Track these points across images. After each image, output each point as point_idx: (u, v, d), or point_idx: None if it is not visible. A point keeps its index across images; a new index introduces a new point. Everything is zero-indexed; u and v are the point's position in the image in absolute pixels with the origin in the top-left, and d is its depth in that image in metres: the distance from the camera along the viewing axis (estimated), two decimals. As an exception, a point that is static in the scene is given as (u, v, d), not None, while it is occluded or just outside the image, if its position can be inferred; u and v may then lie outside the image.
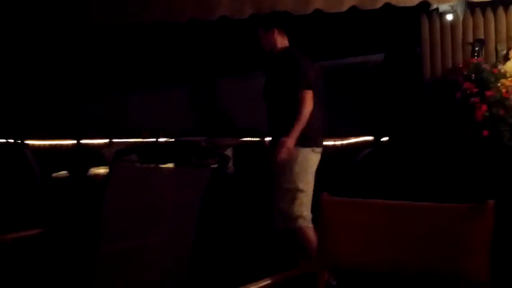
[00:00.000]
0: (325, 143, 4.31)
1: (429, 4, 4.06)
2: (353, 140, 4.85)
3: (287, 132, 3.12)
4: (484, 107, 3.58)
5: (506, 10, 4.04)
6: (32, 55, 5.21)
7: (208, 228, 2.09)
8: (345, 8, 3.98)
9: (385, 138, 4.64)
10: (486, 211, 1.66)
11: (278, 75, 3.36)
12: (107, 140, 4.61)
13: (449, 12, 4.17)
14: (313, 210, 3.16)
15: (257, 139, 4.67)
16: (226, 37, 5.13)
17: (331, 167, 4.17)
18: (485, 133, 3.58)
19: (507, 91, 3.60)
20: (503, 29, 4.00)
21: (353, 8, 3.95)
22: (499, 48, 3.91)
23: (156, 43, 5.33)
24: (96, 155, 4.36)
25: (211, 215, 2.10)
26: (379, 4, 3.93)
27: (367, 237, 1.84)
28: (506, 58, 3.83)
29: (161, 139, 4.76)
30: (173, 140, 4.71)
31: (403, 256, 1.77)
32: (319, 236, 2.02)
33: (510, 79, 3.68)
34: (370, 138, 4.77)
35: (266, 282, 1.74)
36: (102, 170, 4.15)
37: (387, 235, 1.79)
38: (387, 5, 3.90)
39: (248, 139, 4.72)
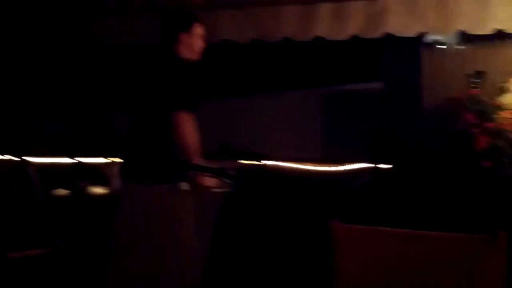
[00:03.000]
0: (323, 168, 4.40)
1: (429, 35, 4.17)
2: (351, 166, 4.88)
3: None
4: (484, 138, 3.65)
5: (505, 43, 4.14)
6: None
7: (220, 250, 2.11)
8: (347, 36, 4.08)
9: (383, 166, 4.68)
10: (500, 242, 1.70)
11: None
12: (109, 160, 4.60)
13: (448, 43, 4.28)
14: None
15: (255, 162, 4.69)
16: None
17: (329, 193, 4.21)
18: (487, 163, 3.64)
19: (506, 123, 3.67)
20: (503, 62, 4.09)
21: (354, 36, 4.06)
22: (498, 80, 3.99)
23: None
24: (96, 174, 4.35)
25: (223, 238, 2.12)
26: (379, 33, 4.02)
27: (381, 265, 1.85)
28: (505, 91, 3.91)
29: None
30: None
31: (417, 285, 1.79)
32: (333, 264, 2.03)
33: (509, 111, 3.76)
34: (368, 165, 4.80)
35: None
36: (101, 190, 4.16)
37: (402, 264, 1.81)
38: (387, 34, 4.00)
39: (246, 162, 4.74)
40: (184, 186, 2.59)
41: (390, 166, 4.49)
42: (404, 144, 4.42)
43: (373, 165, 4.69)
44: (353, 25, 4.01)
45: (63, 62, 5.14)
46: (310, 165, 4.69)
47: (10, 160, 4.56)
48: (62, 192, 4.12)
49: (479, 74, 4.01)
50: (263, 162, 4.51)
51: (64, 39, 4.48)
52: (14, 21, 4.54)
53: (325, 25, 4.08)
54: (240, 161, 4.63)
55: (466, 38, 4.21)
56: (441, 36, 4.30)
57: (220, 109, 5.04)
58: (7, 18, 4.53)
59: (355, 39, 4.09)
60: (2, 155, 4.76)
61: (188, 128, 2.55)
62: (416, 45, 4.36)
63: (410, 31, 3.96)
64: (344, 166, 4.82)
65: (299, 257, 3.70)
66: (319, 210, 4.19)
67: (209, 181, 3.21)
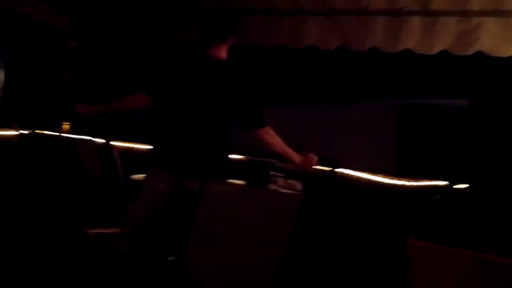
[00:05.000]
0: (395, 182, 4.34)
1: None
2: (424, 183, 4.78)
3: None
4: None
5: None
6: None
7: (297, 255, 2.13)
8: (435, 51, 4.01)
9: (459, 185, 4.56)
10: None
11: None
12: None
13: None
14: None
15: (327, 168, 4.70)
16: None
17: (400, 207, 4.16)
18: None
19: None
20: None
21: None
22: None
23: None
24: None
25: (301, 242, 2.15)
26: (470, 52, 3.93)
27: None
28: None
29: (233, 156, 4.88)
30: (245, 157, 4.80)
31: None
32: (407, 280, 2.02)
33: None
34: (443, 183, 4.69)
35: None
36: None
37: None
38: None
39: (318, 167, 4.76)
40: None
41: (466, 185, 4.37)
42: (488, 164, 4.28)
43: (447, 183, 4.58)
44: (443, 40, 3.94)
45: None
46: (382, 177, 4.64)
47: (98, 142, 4.86)
48: (140, 176, 4.30)
49: None
50: (335, 169, 4.52)
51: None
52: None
53: (414, 38, 4.04)
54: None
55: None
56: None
57: (295, 114, 5.09)
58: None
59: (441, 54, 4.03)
60: (94, 137, 5.11)
61: (273, 138, 2.75)
62: (508, 63, 4.21)
63: (504, 52, 3.84)
64: (417, 181, 4.74)
65: (368, 267, 3.69)
66: (389, 223, 4.15)
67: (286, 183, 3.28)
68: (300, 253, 3.23)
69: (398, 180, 4.62)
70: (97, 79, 5.61)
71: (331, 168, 4.62)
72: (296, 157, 2.81)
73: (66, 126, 5.59)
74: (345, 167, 4.65)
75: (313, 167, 2.86)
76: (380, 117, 5.51)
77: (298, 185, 3.68)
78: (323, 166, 4.71)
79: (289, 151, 2.79)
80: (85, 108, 2.89)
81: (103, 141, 4.87)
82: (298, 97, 5.13)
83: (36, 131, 5.30)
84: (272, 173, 3.72)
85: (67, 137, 5.44)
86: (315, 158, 2.85)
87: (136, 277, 2.79)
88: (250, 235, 2.28)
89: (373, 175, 4.69)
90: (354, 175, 4.58)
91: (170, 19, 4.70)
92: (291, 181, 3.63)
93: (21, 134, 5.08)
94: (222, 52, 2.79)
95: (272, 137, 2.76)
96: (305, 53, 4.38)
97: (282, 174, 3.71)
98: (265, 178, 3.57)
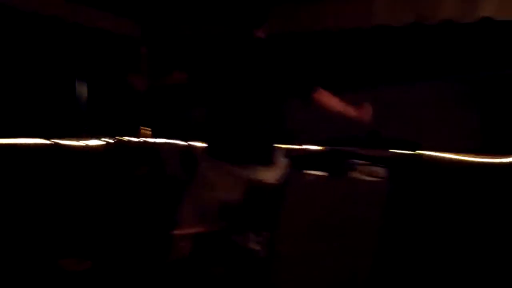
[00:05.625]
0: (485, 160, 4.09)
1: None
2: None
3: None
4: None
5: None
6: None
7: (390, 243, 2.07)
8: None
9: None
10: None
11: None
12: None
13: None
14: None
15: (409, 152, 4.53)
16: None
17: (492, 186, 3.93)
18: None
19: None
20: None
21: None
22: None
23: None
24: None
25: (393, 230, 2.09)
26: None
27: None
28: None
29: (311, 147, 4.82)
30: (323, 148, 4.73)
31: None
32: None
33: None
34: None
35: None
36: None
37: None
38: None
39: (400, 151, 4.59)
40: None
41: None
42: None
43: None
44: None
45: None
46: (469, 156, 4.41)
47: (179, 144, 4.98)
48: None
49: None
50: (419, 151, 4.34)
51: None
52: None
53: (492, 5, 3.79)
54: (392, 150, 4.52)
55: None
56: None
57: (374, 97, 4.91)
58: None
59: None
60: (172, 139, 5.25)
61: (330, 98, 2.82)
62: None
63: None
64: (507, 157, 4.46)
65: (467, 253, 3.51)
66: (483, 205, 3.94)
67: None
68: (391, 241, 3.15)
69: (487, 158, 4.39)
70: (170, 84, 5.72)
71: (415, 151, 4.45)
72: (353, 111, 2.84)
73: (145, 131, 5.77)
74: (429, 149, 4.47)
75: (370, 118, 2.88)
76: (460, 93, 5.23)
77: (382, 172, 3.56)
78: (405, 149, 4.55)
79: (348, 108, 2.83)
80: (139, 81, 3.03)
81: (184, 143, 4.98)
82: (375, 79, 4.95)
83: (119, 138, 5.51)
84: (353, 161, 3.63)
85: (150, 142, 5.63)
86: (369, 107, 2.90)
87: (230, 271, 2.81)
88: (339, 225, 2.24)
89: (460, 155, 4.48)
90: (440, 157, 4.39)
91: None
92: (375, 168, 3.52)
93: (106, 143, 5.31)
94: (262, 35, 2.86)
95: (330, 97, 2.80)
96: (375, 33, 4.24)
97: (364, 162, 3.61)
98: (346, 167, 3.48)
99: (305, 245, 2.27)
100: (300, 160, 4.37)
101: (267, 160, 2.80)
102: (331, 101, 2.80)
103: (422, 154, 4.24)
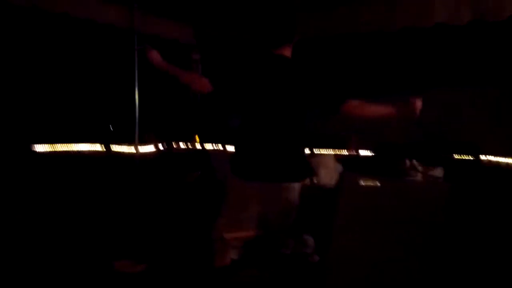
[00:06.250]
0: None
1: None
2: None
3: None
4: None
5: None
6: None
7: (446, 247, 1.98)
8: None
9: None
10: None
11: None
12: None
13: None
14: None
15: (470, 157, 4.35)
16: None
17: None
18: None
19: None
20: None
21: None
22: None
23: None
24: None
25: (449, 234, 1.99)
26: None
27: None
28: None
29: (363, 152, 4.72)
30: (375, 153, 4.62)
31: None
32: None
33: None
34: None
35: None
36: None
37: None
38: None
39: (460, 156, 4.41)
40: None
41: None
42: None
43: None
44: None
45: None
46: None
47: (228, 150, 5.00)
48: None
49: None
50: (479, 155, 4.17)
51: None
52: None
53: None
54: (451, 153, 4.36)
55: None
56: None
57: (433, 99, 4.74)
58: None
59: None
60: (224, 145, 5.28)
61: (361, 106, 2.69)
62: None
63: None
64: None
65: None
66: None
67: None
68: (448, 247, 3.02)
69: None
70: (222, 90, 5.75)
71: (475, 154, 4.28)
72: (393, 110, 2.64)
73: (198, 138, 5.83)
74: (489, 153, 4.28)
75: (418, 110, 2.60)
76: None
77: (440, 173, 3.43)
78: (465, 153, 4.38)
79: (383, 109, 2.67)
80: (156, 56, 2.98)
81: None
82: (433, 81, 4.80)
83: (172, 145, 5.59)
84: (409, 162, 3.51)
85: (201, 148, 5.69)
86: (418, 101, 2.60)
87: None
88: (396, 228, 2.16)
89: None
90: (501, 162, 4.19)
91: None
92: (431, 170, 3.39)
93: (158, 149, 5.39)
94: (288, 52, 2.80)
95: (358, 106, 2.68)
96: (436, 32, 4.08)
97: (419, 163, 3.48)
98: (402, 169, 3.37)
99: (362, 249, 2.19)
100: (354, 164, 4.30)
101: (299, 175, 2.79)
102: (363, 111, 2.70)
103: (481, 158, 4.06)
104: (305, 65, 2.78)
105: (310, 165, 2.93)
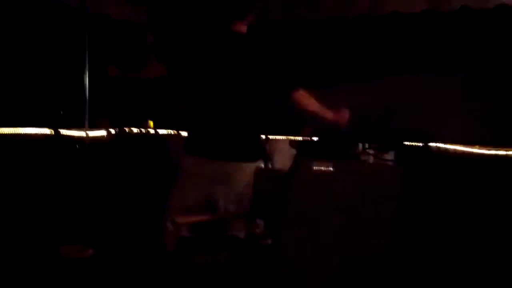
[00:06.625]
0: (494, 152, 4.01)
1: None
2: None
3: None
4: None
5: None
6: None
7: (404, 229, 2.00)
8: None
9: None
10: None
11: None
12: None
13: None
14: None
15: (420, 144, 4.45)
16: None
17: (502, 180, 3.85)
18: None
19: None
20: None
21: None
22: None
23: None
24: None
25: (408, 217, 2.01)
26: None
27: None
28: None
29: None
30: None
31: None
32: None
33: None
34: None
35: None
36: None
37: None
38: None
39: (410, 143, 4.50)
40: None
41: None
42: None
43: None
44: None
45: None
46: (481, 149, 4.34)
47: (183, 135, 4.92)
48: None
49: None
50: (429, 142, 4.27)
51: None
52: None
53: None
54: (402, 141, 4.43)
55: None
56: None
57: (385, 86, 4.82)
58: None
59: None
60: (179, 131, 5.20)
61: (307, 99, 2.76)
62: None
63: None
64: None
65: (472, 244, 3.44)
66: (491, 197, 3.86)
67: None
68: (403, 231, 3.08)
69: (497, 150, 4.32)
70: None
71: (424, 142, 4.38)
72: (329, 114, 2.79)
73: (150, 123, 5.72)
74: (439, 140, 4.39)
75: (345, 122, 2.79)
76: (472, 84, 5.12)
77: (391, 157, 3.49)
78: (415, 140, 4.48)
79: (324, 110, 2.79)
80: (114, 70, 2.96)
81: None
82: (386, 68, 4.87)
83: (124, 129, 5.47)
84: (361, 146, 3.55)
85: (154, 132, 5.58)
86: (346, 112, 2.80)
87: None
88: (351, 213, 2.16)
89: (469, 147, 4.41)
90: (449, 148, 4.32)
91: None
92: (384, 154, 3.44)
93: (110, 133, 5.26)
94: (244, 29, 2.81)
95: (306, 97, 2.77)
96: (389, 20, 4.13)
97: (371, 147, 3.53)
98: (354, 153, 3.41)
99: (315, 234, 2.18)
100: (307, 148, 4.32)
101: (250, 155, 2.80)
102: (306, 102, 2.77)
103: (430, 145, 4.16)
104: (261, 44, 2.78)
105: (263, 148, 2.92)
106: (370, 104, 4.20)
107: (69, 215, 3.75)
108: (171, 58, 2.83)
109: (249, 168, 2.77)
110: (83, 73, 4.50)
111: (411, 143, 4.46)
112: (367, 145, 3.50)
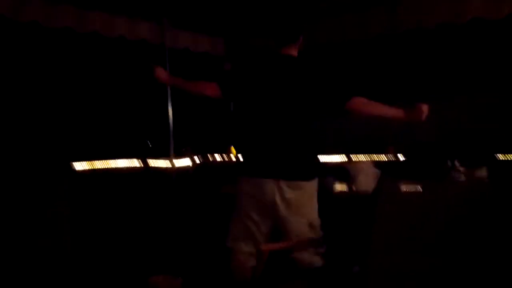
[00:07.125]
0: None
1: None
2: None
3: None
4: None
5: None
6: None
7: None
8: None
9: None
10: None
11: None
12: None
13: None
14: None
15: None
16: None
17: None
18: None
19: None
20: None
21: None
22: None
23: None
24: (338, 171, 4.35)
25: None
26: None
27: None
28: None
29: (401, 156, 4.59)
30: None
31: None
32: None
33: None
34: None
35: None
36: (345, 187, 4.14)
37: None
38: None
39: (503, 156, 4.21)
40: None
41: None
42: None
43: None
44: None
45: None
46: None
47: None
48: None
49: None
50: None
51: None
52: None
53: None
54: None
55: None
56: None
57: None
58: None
59: None
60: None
61: (368, 104, 2.68)
62: None
63: None
64: None
65: None
66: None
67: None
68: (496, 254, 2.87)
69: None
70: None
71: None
72: (401, 112, 2.63)
73: (233, 149, 5.81)
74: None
75: (424, 116, 2.56)
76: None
77: (484, 174, 3.27)
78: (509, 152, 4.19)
79: (392, 110, 2.67)
80: (163, 73, 3.05)
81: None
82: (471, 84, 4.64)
83: (208, 157, 5.58)
84: (450, 163, 3.37)
85: (236, 159, 5.65)
86: (425, 106, 2.56)
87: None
88: (443, 236, 2.05)
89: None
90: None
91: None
92: (474, 170, 3.24)
93: (194, 162, 5.39)
94: (294, 51, 2.83)
95: (366, 103, 2.68)
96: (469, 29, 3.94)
97: (461, 165, 3.34)
98: (443, 171, 3.24)
99: (403, 257, 2.09)
100: (392, 169, 4.18)
101: (308, 174, 2.76)
102: (369, 107, 2.68)
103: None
104: (312, 64, 2.80)
105: (317, 167, 2.87)
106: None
107: (158, 245, 3.86)
108: (226, 80, 2.90)
109: (309, 188, 2.73)
110: (167, 105, 4.70)
111: (505, 157, 4.18)
112: (456, 162, 3.32)
